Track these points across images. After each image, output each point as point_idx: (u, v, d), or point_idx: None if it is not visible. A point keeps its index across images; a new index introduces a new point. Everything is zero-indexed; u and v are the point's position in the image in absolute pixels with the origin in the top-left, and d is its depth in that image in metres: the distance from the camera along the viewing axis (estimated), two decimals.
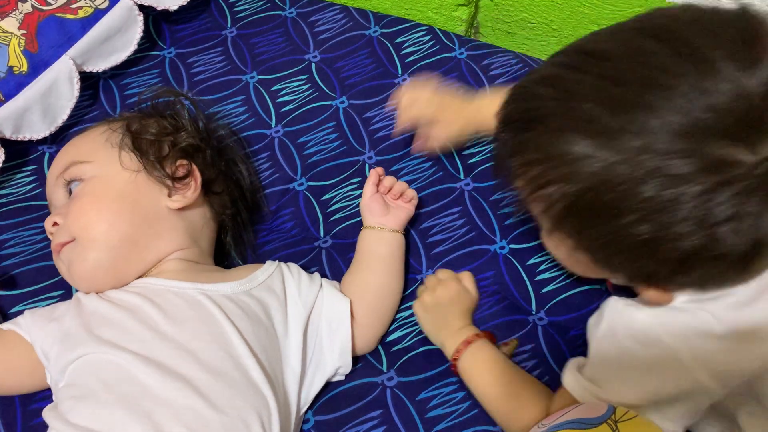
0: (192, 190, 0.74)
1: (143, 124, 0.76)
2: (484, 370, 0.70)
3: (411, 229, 0.84)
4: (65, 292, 0.78)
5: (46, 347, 0.67)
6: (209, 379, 0.63)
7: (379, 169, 0.82)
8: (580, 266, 0.59)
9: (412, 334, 0.78)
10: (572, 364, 0.64)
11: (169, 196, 0.73)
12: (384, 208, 0.80)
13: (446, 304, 0.74)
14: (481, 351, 0.71)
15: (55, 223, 0.72)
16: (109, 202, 0.71)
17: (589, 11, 1.03)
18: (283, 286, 0.74)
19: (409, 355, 0.77)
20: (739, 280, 0.52)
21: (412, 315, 0.79)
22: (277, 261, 0.77)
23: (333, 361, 0.73)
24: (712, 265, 0.47)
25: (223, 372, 0.64)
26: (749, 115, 0.41)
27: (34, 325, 0.68)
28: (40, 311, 0.71)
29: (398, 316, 0.79)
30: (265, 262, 0.76)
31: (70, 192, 0.74)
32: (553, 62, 0.50)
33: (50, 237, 0.73)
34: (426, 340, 0.77)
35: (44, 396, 0.71)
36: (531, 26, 1.11)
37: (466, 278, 0.78)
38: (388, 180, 0.81)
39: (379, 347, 0.77)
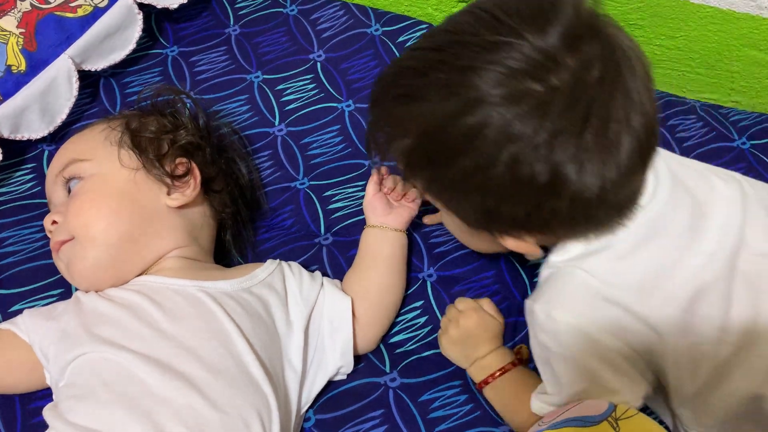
0: (191, 188, 0.74)
1: (142, 122, 0.76)
2: (513, 394, 0.70)
3: (413, 231, 0.84)
4: (64, 290, 0.78)
5: (44, 347, 0.66)
6: (209, 377, 0.62)
7: (382, 169, 0.81)
8: (453, 225, 0.65)
9: (416, 338, 0.77)
10: (535, 390, 0.65)
11: (169, 194, 0.73)
12: (387, 207, 0.78)
13: (473, 334, 0.73)
14: (514, 378, 0.71)
15: (54, 222, 0.72)
16: (108, 201, 0.70)
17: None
18: (284, 285, 0.73)
19: (413, 358, 0.76)
20: (583, 224, 0.56)
21: (415, 318, 0.78)
22: (278, 260, 0.76)
23: (335, 360, 0.72)
24: (528, 197, 0.53)
25: (223, 369, 0.63)
26: (544, 61, 0.50)
27: (32, 324, 0.68)
28: (39, 311, 0.70)
29: (401, 318, 0.78)
30: (265, 261, 0.76)
31: (69, 190, 0.73)
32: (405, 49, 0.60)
33: (49, 235, 0.73)
34: (430, 345, 0.77)
35: (44, 395, 0.71)
36: None
37: (486, 304, 0.76)
38: (391, 180, 0.80)
39: (383, 348, 0.77)
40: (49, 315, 0.69)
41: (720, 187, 0.63)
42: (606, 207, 0.55)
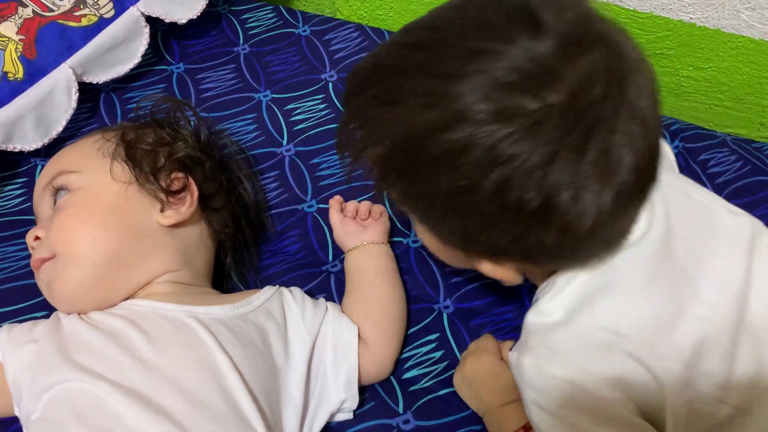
0: (187, 205, 0.68)
1: (139, 134, 0.71)
2: None
3: (429, 259, 0.78)
4: (48, 313, 0.70)
5: (18, 375, 0.60)
6: (192, 411, 0.55)
7: (338, 197, 0.78)
8: (426, 237, 0.57)
9: (431, 375, 0.70)
10: None
11: (162, 211, 0.67)
12: (359, 228, 0.76)
13: (479, 380, 0.66)
14: None
15: (37, 237, 0.66)
16: (95, 215, 0.64)
17: None
18: (283, 311, 0.67)
19: (429, 397, 0.69)
20: (569, 257, 0.51)
21: (430, 352, 0.72)
22: (277, 285, 0.70)
23: (338, 392, 0.65)
24: (514, 225, 0.47)
25: (209, 403, 0.56)
26: (539, 73, 0.43)
27: (9, 343, 0.61)
28: (19, 329, 0.64)
29: (415, 352, 0.72)
30: (265, 287, 0.70)
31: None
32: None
33: (31, 252, 0.67)
34: (447, 383, 0.70)
35: (18, 428, 0.64)
36: None
37: (506, 349, 0.68)
38: (351, 204, 0.77)
39: (395, 385, 0.69)
40: (27, 336, 0.62)
41: (726, 223, 0.56)
42: (596, 240, 0.48)
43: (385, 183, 0.52)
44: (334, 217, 0.77)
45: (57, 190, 0.67)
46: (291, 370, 0.63)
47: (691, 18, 0.92)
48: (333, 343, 0.66)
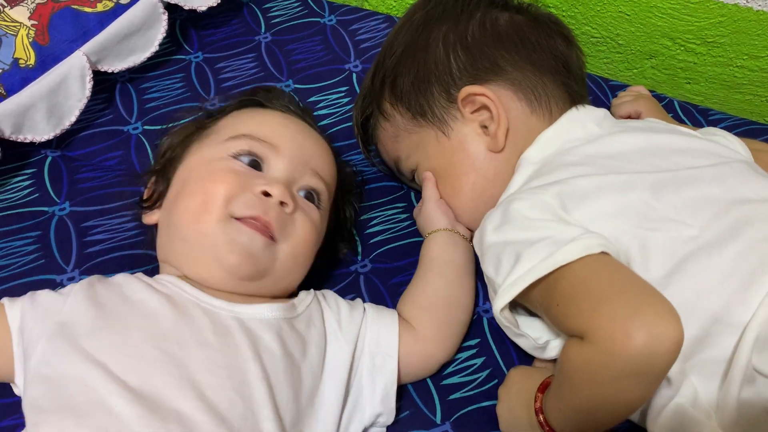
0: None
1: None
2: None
3: None
4: None
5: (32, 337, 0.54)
6: (209, 421, 0.49)
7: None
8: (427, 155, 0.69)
9: (472, 384, 0.64)
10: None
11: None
12: (451, 211, 0.69)
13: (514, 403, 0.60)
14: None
15: (283, 203, 0.59)
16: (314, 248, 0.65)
17: (663, 23, 0.92)
18: (323, 320, 0.60)
19: (470, 408, 0.62)
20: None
21: (470, 358, 0.65)
22: (311, 290, 0.64)
23: (373, 406, 0.59)
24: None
25: (227, 417, 0.49)
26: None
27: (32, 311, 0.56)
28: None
29: (455, 357, 0.65)
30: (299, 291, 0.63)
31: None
32: None
33: (263, 199, 0.58)
34: (490, 394, 0.63)
35: None
36: (594, 41, 1.00)
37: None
38: None
39: (434, 392, 0.63)
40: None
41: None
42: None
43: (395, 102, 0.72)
44: (431, 191, 0.69)
45: (311, 191, 0.64)
46: (326, 387, 0.57)
47: (747, 2, 0.85)
48: (370, 350, 0.60)
